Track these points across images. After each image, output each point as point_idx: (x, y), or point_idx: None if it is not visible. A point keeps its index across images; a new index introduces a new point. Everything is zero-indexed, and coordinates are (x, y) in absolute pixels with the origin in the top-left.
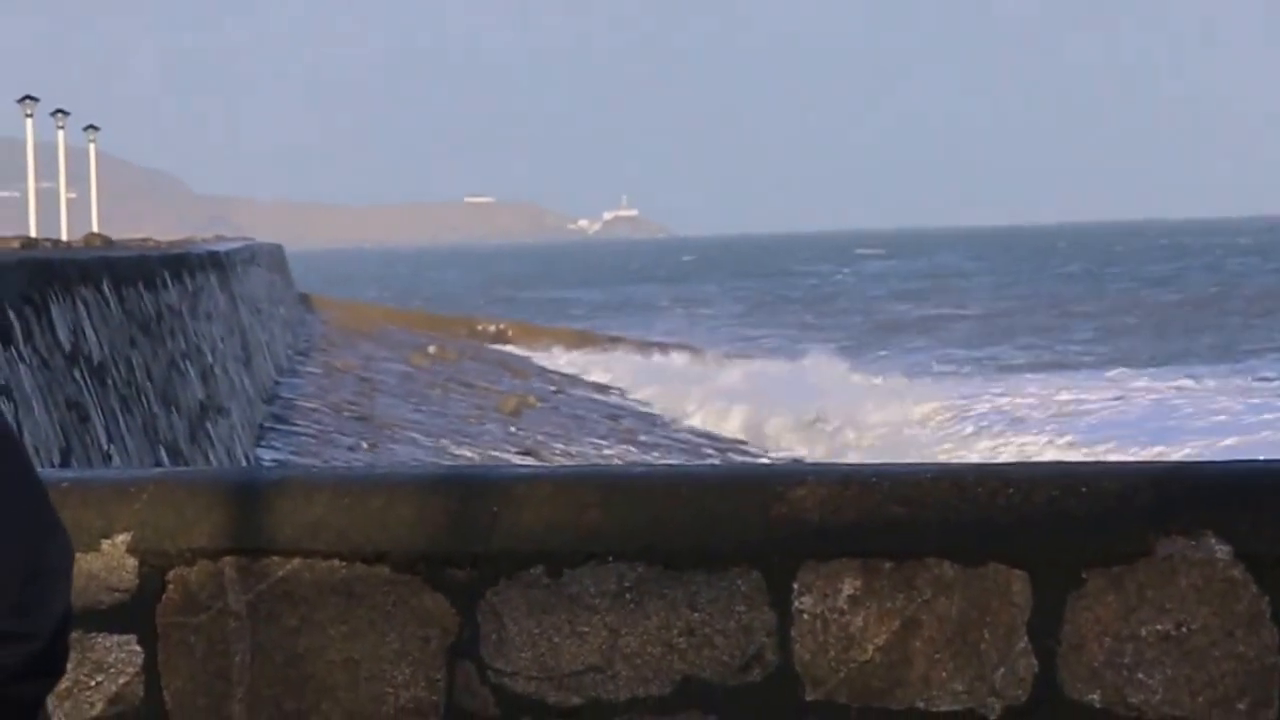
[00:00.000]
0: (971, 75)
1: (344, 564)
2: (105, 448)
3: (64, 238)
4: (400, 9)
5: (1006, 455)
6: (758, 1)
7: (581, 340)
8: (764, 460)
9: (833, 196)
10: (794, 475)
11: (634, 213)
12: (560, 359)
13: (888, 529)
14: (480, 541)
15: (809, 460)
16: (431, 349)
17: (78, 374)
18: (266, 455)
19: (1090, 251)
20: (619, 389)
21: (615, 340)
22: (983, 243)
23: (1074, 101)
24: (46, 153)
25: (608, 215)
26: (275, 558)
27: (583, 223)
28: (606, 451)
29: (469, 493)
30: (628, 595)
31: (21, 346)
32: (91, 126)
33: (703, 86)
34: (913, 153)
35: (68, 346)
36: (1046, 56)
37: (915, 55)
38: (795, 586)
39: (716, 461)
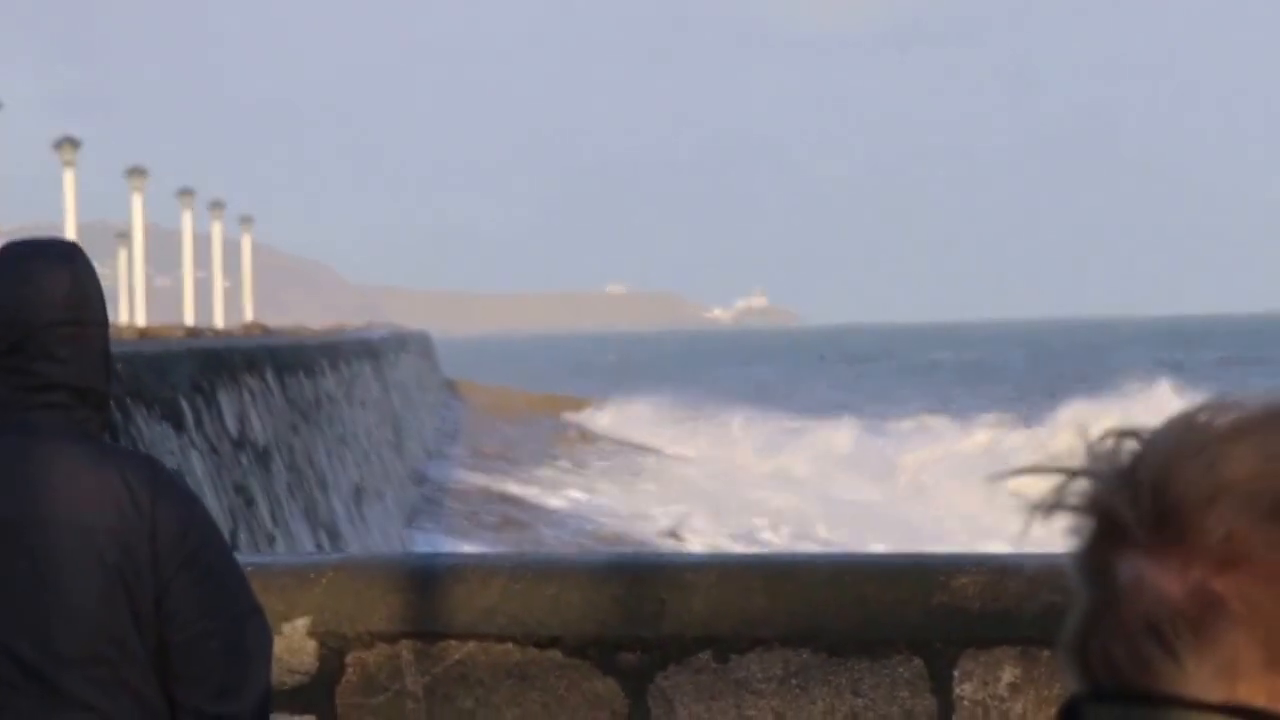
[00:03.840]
0: (1101, 170)
1: (518, 647)
2: (270, 531)
3: (219, 325)
4: (538, 102)
5: None
6: (892, 103)
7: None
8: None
9: (973, 285)
10: (955, 563)
11: (764, 301)
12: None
13: (1046, 617)
14: (650, 627)
15: None
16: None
17: (244, 459)
18: (419, 536)
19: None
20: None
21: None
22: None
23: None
24: (199, 242)
25: (740, 304)
26: (451, 641)
27: (717, 311)
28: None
29: (638, 579)
30: (793, 681)
31: (193, 432)
32: (247, 218)
33: (837, 170)
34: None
35: (235, 432)
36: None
37: (1050, 145)
38: (956, 674)
39: None
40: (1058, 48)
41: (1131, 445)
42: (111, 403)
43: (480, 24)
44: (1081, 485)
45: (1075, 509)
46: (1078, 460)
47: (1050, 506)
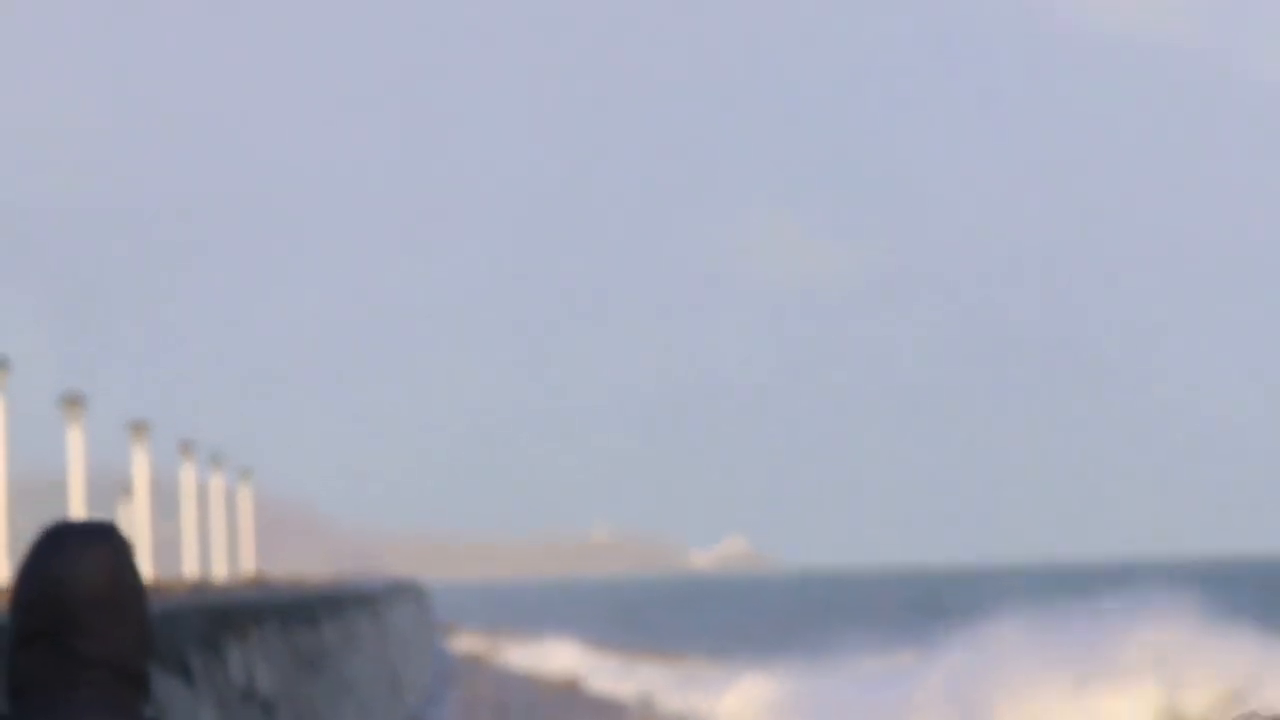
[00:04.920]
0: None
1: None
2: None
3: (221, 576)
4: (522, 352)
5: None
6: (868, 346)
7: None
8: None
9: (965, 529)
10: None
11: (745, 545)
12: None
13: None
14: None
15: None
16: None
17: (251, 711)
18: None
19: None
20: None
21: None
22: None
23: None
24: (200, 492)
25: (721, 548)
26: None
27: (698, 556)
28: None
29: None
30: None
31: (201, 686)
32: (246, 470)
33: (821, 416)
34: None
35: (242, 685)
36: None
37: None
38: None
39: None
40: (1032, 304)
41: None
42: (150, 676)
43: (457, 291)
44: None
45: None
46: None
47: None
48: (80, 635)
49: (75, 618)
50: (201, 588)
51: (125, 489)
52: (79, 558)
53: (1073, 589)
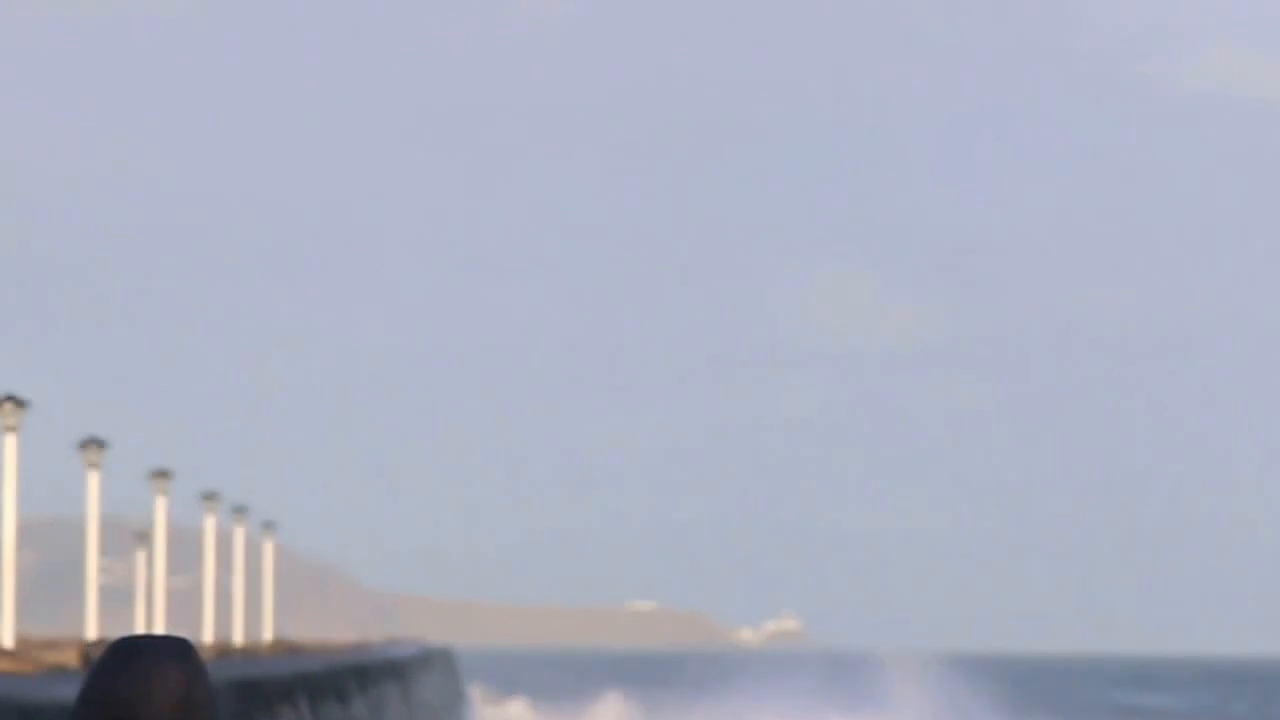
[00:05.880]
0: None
1: None
2: None
3: (240, 638)
4: (563, 417)
5: None
6: (914, 421)
7: None
8: None
9: (1013, 616)
10: None
11: (795, 625)
12: None
13: None
14: None
15: None
16: None
17: None
18: None
19: None
20: None
21: None
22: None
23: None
24: (220, 544)
25: (770, 626)
26: None
27: (745, 633)
28: None
29: None
30: None
31: None
32: (270, 524)
33: (883, 485)
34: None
35: None
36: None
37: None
38: None
39: None
40: (1105, 373)
41: None
42: None
43: (498, 350)
44: None
45: None
46: None
47: None
48: None
49: None
50: (225, 653)
51: (142, 536)
52: (151, 677)
53: (1122, 681)
